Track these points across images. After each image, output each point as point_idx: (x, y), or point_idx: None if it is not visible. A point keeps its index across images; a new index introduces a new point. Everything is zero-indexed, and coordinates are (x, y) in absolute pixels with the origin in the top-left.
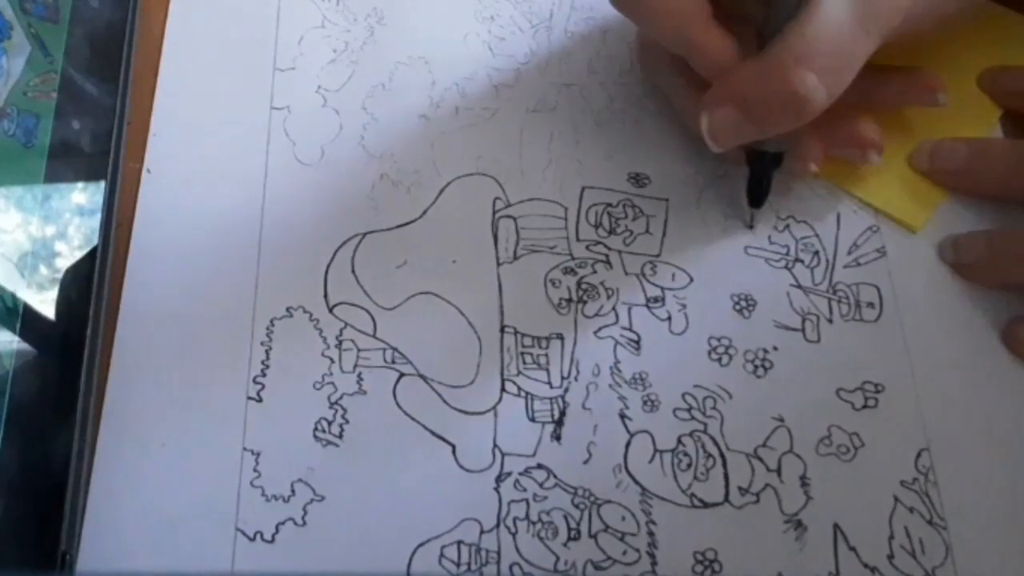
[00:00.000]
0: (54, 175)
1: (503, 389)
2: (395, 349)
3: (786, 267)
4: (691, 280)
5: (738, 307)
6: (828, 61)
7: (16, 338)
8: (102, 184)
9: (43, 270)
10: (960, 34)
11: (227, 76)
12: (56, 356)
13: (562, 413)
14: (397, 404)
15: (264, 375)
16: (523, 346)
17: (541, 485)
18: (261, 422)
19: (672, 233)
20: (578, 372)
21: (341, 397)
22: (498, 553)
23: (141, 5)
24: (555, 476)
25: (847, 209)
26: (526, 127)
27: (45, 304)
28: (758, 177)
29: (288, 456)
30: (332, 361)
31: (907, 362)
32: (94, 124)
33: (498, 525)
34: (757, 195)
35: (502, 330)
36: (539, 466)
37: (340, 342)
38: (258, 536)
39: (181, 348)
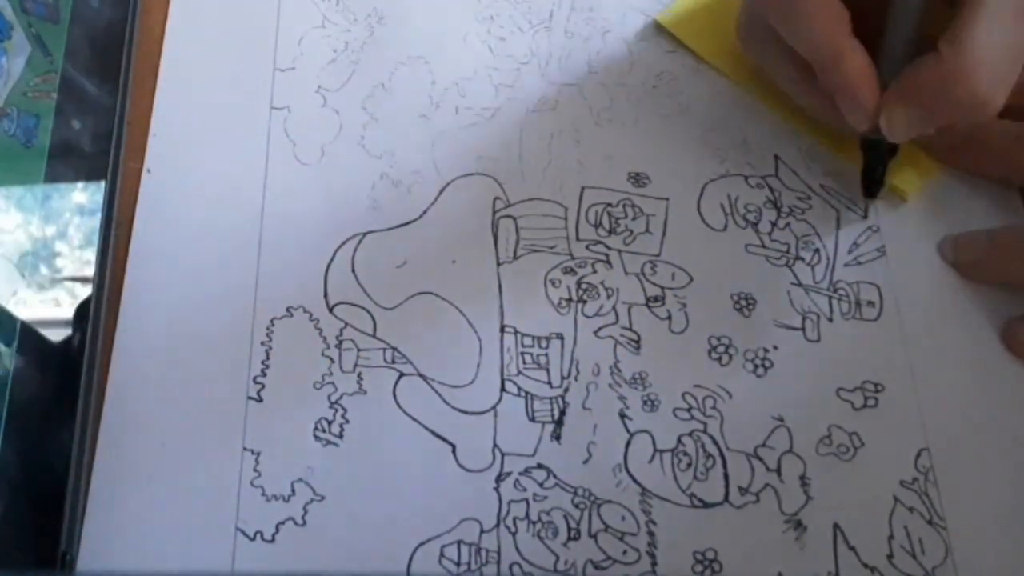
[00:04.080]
0: (54, 175)
1: (503, 389)
2: (395, 349)
3: (787, 265)
4: (691, 279)
5: (738, 306)
6: (1002, 61)
7: (16, 338)
8: (102, 184)
9: (43, 270)
10: None
11: (227, 76)
12: (56, 356)
13: (562, 413)
14: (397, 404)
15: (264, 375)
16: (523, 346)
17: (541, 485)
18: (261, 422)
19: (672, 233)
20: (578, 372)
21: (341, 397)
22: (498, 553)
23: (141, 5)
24: (555, 476)
25: (847, 208)
26: (526, 127)
27: (45, 304)
28: (873, 166)
29: (288, 456)
30: (332, 361)
31: (907, 362)
32: (94, 124)
33: (498, 525)
34: (872, 185)
35: (502, 330)
36: (539, 466)
37: (340, 342)
38: (258, 536)
39: (181, 348)
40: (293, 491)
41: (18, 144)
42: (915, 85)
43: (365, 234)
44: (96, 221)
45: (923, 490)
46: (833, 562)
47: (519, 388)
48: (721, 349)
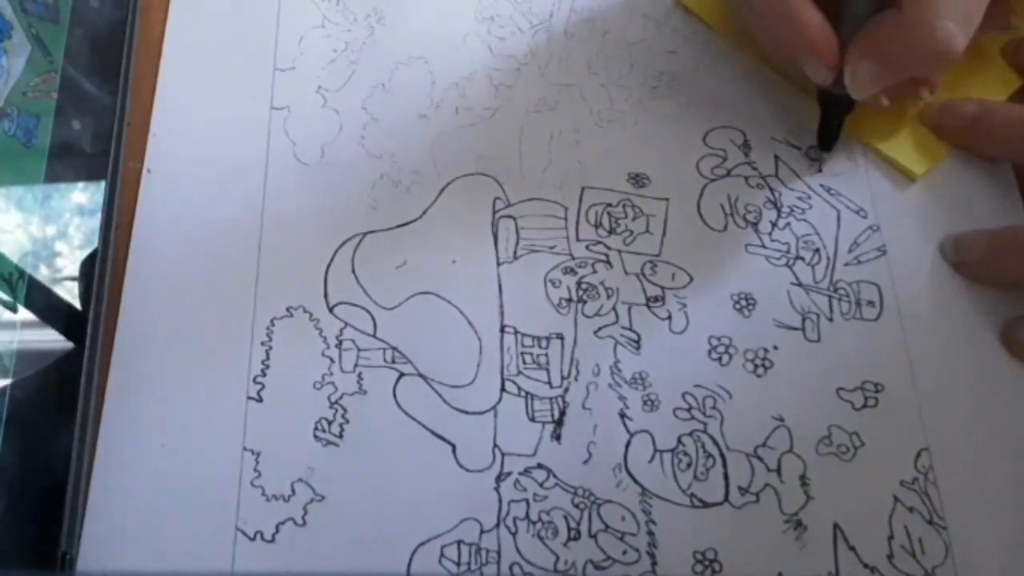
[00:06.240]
0: (54, 175)
1: (503, 389)
2: (395, 349)
3: (787, 264)
4: (691, 279)
5: (738, 306)
6: (959, 12)
7: (16, 338)
8: (102, 184)
9: (43, 270)
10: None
11: (227, 76)
12: (56, 356)
13: (562, 413)
14: (397, 404)
15: (264, 375)
16: (523, 346)
17: (541, 485)
18: (261, 422)
19: (672, 233)
20: (578, 372)
21: (341, 397)
22: (498, 553)
23: (141, 5)
24: (555, 476)
25: (847, 208)
26: (526, 127)
27: (45, 304)
28: (830, 121)
29: (288, 456)
30: (332, 361)
31: (907, 362)
32: (94, 124)
33: (498, 525)
34: (828, 139)
35: (502, 330)
36: (539, 466)
37: (340, 342)
38: (258, 536)
39: (181, 348)
40: (293, 491)
41: (18, 144)
42: (878, 39)
43: (365, 234)
44: (96, 221)
45: (923, 490)
46: (833, 562)
47: (519, 388)
48: (721, 349)
